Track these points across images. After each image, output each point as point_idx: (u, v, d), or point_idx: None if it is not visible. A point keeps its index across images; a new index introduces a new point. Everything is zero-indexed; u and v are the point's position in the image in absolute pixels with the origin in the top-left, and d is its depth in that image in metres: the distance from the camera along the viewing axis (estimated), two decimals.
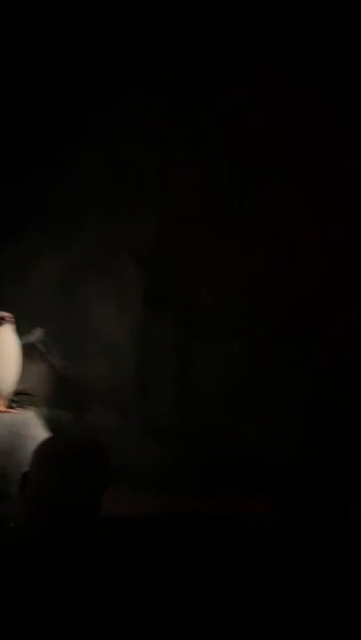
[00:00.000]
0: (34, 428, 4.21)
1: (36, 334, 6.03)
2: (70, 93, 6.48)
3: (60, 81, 6.50)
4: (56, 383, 6.13)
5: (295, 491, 2.94)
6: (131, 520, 4.26)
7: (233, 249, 6.44)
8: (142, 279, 6.36)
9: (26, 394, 4.72)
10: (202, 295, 6.40)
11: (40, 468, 2.44)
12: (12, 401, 4.46)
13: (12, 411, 4.43)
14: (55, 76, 6.51)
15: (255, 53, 6.50)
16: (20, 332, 4.55)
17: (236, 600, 2.48)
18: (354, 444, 6.17)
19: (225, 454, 6.05)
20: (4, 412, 4.35)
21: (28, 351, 4.92)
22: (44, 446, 2.51)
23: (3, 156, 6.40)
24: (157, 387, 6.34)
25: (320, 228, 6.56)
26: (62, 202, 6.39)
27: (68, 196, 6.39)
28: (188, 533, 4.02)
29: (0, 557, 2.29)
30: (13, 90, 6.51)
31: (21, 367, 4.44)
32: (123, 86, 6.40)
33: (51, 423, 4.41)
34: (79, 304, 6.27)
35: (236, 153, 6.53)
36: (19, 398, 4.50)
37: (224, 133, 6.52)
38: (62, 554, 2.23)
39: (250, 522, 4.42)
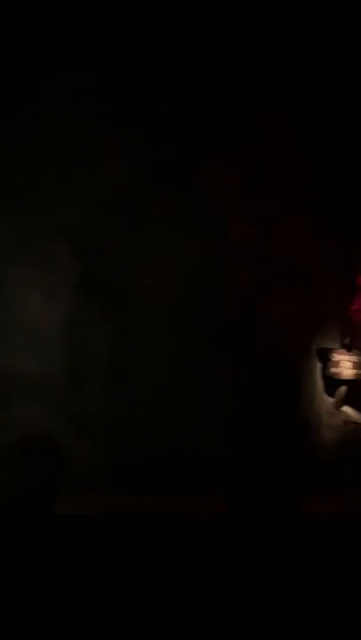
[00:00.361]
0: None
1: None
2: None
3: None
4: None
5: (247, 487, 2.90)
6: (68, 519, 3.93)
7: (169, 236, 6.19)
8: (74, 265, 5.96)
9: None
10: (137, 283, 6.09)
11: None
12: None
13: None
14: None
15: (188, 38, 6.33)
16: None
17: (182, 597, 2.65)
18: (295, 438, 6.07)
19: (163, 451, 5.77)
20: None
21: None
22: None
23: None
24: (90, 380, 5.96)
25: (255, 214, 6.45)
26: None
27: None
28: (126, 532, 3.80)
29: None
30: None
31: None
32: (51, 66, 6.06)
33: None
34: (5, 290, 5.80)
35: (171, 138, 6.29)
36: None
37: (158, 118, 6.27)
38: (18, 550, 2.12)
39: (190, 520, 4.22)
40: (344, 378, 6.66)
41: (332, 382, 6.68)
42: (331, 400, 6.70)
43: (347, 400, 6.68)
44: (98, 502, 4.50)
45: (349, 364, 6.66)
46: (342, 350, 6.71)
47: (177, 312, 6.16)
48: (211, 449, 5.87)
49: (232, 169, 6.39)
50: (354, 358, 6.69)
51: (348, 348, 6.72)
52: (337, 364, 6.67)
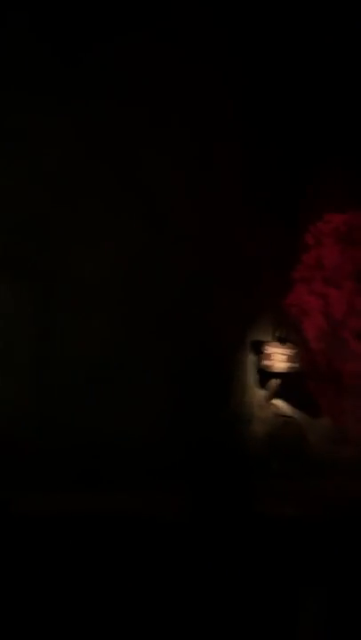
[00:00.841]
0: None
1: None
2: None
3: None
4: None
5: (201, 483, 3.07)
6: None
7: (108, 221, 5.89)
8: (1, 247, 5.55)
9: None
10: (67, 265, 5.75)
11: None
12: None
13: None
14: None
15: (137, 17, 6.07)
16: None
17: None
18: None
19: (88, 443, 5.49)
20: None
21: None
22: None
23: None
24: (11, 368, 5.58)
25: (196, 206, 6.26)
26: None
27: None
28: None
29: None
30: None
31: None
32: None
33: None
34: None
35: (112, 120, 6.01)
36: None
37: (99, 102, 5.97)
38: None
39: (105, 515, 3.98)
40: (276, 370, 6.59)
41: (265, 375, 6.63)
42: (263, 393, 6.63)
43: (279, 393, 6.66)
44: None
45: (282, 357, 6.58)
46: (276, 343, 6.63)
47: (110, 298, 5.89)
48: (139, 441, 5.63)
49: (175, 160, 6.18)
50: (287, 351, 6.62)
51: (282, 341, 6.66)
52: (270, 356, 6.58)
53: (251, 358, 6.57)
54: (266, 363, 6.54)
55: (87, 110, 5.94)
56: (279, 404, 6.66)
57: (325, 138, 6.93)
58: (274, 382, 6.58)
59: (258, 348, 6.57)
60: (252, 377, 6.58)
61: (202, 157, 6.34)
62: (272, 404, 6.63)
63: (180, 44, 6.26)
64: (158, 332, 5.98)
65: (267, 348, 6.56)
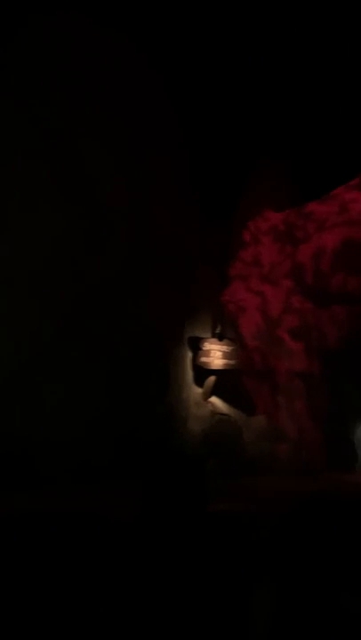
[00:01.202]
0: None
1: None
2: None
3: None
4: None
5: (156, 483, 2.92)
6: None
7: (34, 203, 5.58)
8: None
9: None
10: None
11: None
12: None
13: None
14: None
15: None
16: None
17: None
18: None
19: (16, 444, 5.18)
20: None
21: None
22: None
23: None
24: None
25: (133, 197, 6.07)
26: None
27: None
28: None
29: None
30: None
31: None
32: None
33: None
34: None
35: (41, 102, 5.72)
36: None
37: (31, 82, 5.70)
38: None
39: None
40: (214, 368, 6.52)
41: (202, 372, 6.54)
42: (199, 390, 6.54)
43: (215, 391, 6.58)
44: None
45: (220, 354, 6.52)
46: (213, 339, 6.56)
47: (37, 289, 5.50)
48: (71, 440, 5.39)
49: (113, 153, 5.96)
50: (224, 348, 6.56)
51: (220, 338, 6.59)
52: (207, 353, 6.49)
53: (188, 355, 6.47)
54: (203, 359, 6.45)
55: (19, 94, 5.66)
56: (216, 401, 6.59)
57: (266, 137, 6.90)
58: (211, 379, 6.50)
59: (195, 345, 6.47)
60: (189, 374, 6.47)
61: (140, 151, 6.16)
62: (209, 402, 6.55)
63: (119, 35, 6.09)
64: (91, 327, 5.72)
65: (205, 344, 6.48)
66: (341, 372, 7.17)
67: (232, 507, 3.56)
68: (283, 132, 7.09)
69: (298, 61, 6.84)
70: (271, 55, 6.87)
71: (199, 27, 6.51)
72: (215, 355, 6.47)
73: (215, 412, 6.54)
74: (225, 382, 6.55)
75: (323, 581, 2.44)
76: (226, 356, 6.51)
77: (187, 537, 2.56)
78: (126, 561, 2.48)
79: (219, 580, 2.43)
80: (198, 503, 2.77)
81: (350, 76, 7.15)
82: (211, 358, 6.45)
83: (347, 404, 7.34)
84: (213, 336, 6.54)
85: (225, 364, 6.50)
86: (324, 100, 7.21)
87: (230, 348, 6.54)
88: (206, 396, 6.50)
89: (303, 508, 2.89)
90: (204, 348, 6.45)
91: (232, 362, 6.53)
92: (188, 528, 2.60)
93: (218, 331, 6.57)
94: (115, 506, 3.78)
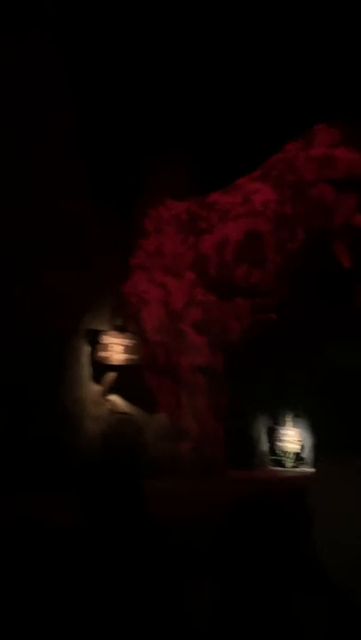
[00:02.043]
0: None
1: None
2: None
3: None
4: None
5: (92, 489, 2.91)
6: None
7: None
8: None
9: None
10: None
11: None
12: None
13: None
14: None
15: None
16: None
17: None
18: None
19: None
20: None
21: None
22: None
23: None
24: None
25: (27, 180, 5.55)
26: None
27: None
28: None
29: None
30: None
31: None
32: None
33: None
34: None
35: None
36: None
37: None
38: None
39: None
40: (113, 363, 6.04)
41: (101, 368, 6.05)
42: (97, 387, 6.05)
43: (115, 388, 6.12)
44: None
45: (120, 348, 6.06)
46: (113, 332, 6.09)
47: None
48: None
49: (9, 132, 5.45)
50: (125, 342, 6.11)
51: (120, 331, 6.14)
52: (106, 347, 6.01)
53: (85, 349, 5.96)
54: (102, 354, 5.97)
55: None
56: (115, 399, 6.14)
57: (168, 125, 6.73)
58: (110, 376, 6.04)
59: (93, 338, 5.98)
60: (86, 370, 5.97)
61: (36, 136, 5.68)
62: (108, 400, 6.08)
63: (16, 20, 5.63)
64: None
65: (103, 337, 6.00)
66: (242, 367, 6.98)
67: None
68: (185, 120, 6.91)
69: (199, 51, 6.75)
70: (171, 45, 6.74)
71: (99, 14, 6.27)
72: (115, 349, 6.01)
73: (114, 411, 6.08)
74: (125, 379, 6.11)
75: (265, 583, 2.41)
76: (127, 350, 6.07)
77: (129, 540, 2.54)
78: (69, 566, 2.44)
79: (158, 582, 2.43)
80: (136, 504, 2.78)
81: (254, 66, 7.07)
82: (110, 353, 5.99)
83: (246, 399, 7.20)
84: (113, 329, 6.08)
85: (126, 359, 6.06)
86: (228, 90, 7.11)
87: (131, 341, 6.11)
88: (105, 393, 6.03)
89: (236, 513, 2.74)
90: (102, 342, 5.98)
91: (133, 356, 6.10)
92: (130, 531, 2.58)
93: (118, 323, 6.12)
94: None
